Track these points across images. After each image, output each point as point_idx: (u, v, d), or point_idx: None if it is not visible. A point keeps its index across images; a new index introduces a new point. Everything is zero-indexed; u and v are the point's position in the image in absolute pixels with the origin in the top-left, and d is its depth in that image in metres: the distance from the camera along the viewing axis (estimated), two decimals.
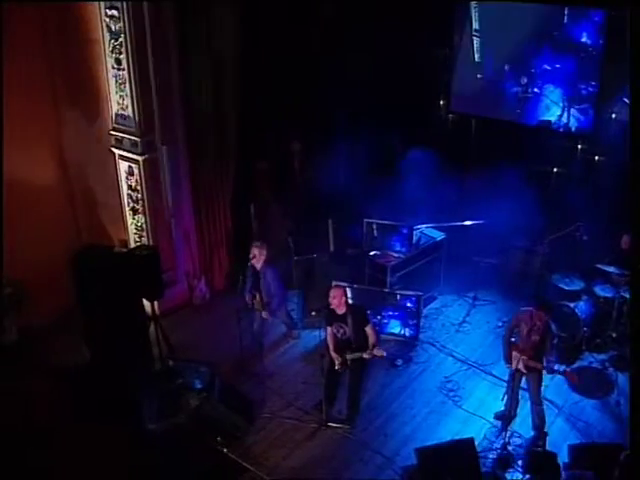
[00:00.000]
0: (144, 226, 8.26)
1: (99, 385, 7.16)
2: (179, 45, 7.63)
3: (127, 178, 8.13)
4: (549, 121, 9.28)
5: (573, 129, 9.29)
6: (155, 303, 7.52)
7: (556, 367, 6.24)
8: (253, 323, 7.65)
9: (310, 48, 9.57)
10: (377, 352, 6.49)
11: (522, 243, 8.76)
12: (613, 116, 9.19)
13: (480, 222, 8.66)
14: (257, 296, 7.47)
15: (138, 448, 6.25)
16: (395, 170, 9.67)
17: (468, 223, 8.67)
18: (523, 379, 6.48)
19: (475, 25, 9.71)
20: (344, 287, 6.97)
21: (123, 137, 7.90)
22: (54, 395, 7.54)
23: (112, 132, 8.00)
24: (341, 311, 6.60)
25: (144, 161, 7.85)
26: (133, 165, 7.97)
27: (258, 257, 7.35)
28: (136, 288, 7.02)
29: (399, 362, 7.64)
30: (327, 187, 9.64)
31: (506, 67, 9.59)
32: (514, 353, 6.31)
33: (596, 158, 9.34)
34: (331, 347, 6.75)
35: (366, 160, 9.75)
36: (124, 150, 7.97)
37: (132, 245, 8.40)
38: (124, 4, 7.15)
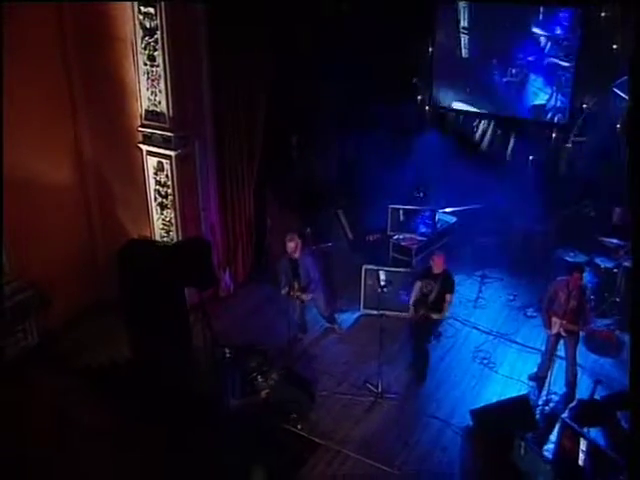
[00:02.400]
0: (172, 221, 8.38)
1: (146, 378, 7.33)
2: (210, 41, 7.82)
3: (156, 174, 8.23)
4: (542, 105, 10.05)
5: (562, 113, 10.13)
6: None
7: (599, 325, 6.93)
8: (291, 311, 7.96)
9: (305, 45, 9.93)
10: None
11: (523, 224, 9.49)
12: (584, 106, 10.14)
13: (483, 206, 9.36)
14: (295, 285, 7.80)
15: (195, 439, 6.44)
16: (390, 160, 10.23)
17: (473, 207, 9.33)
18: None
19: (463, 23, 10.40)
20: (444, 255, 7.73)
21: (153, 133, 8.00)
22: (93, 393, 7.63)
23: (141, 129, 8.08)
24: (437, 271, 7.54)
25: (176, 156, 8.00)
26: (164, 161, 8.09)
27: (294, 248, 7.72)
28: (187, 278, 7.19)
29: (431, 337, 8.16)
30: (326, 179, 10.11)
31: (494, 60, 10.34)
32: (553, 319, 6.97)
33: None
34: (412, 300, 7.60)
35: (360, 153, 10.28)
36: (154, 146, 8.07)
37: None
38: (161, 1, 7.30)
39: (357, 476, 6.24)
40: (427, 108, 11.82)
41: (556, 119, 10.22)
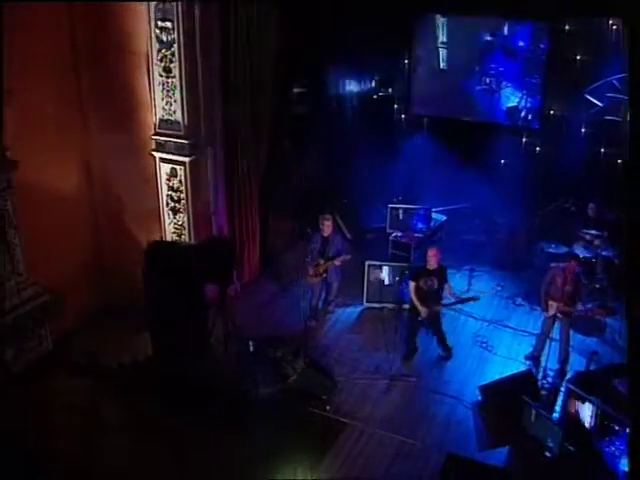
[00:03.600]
0: (185, 224, 8.79)
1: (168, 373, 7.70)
2: (221, 52, 8.32)
3: (169, 180, 8.64)
4: (515, 106, 10.90)
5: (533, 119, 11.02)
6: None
7: (587, 308, 7.71)
8: (307, 297, 8.66)
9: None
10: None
11: (508, 221, 10.28)
12: (551, 112, 11.08)
13: (470, 205, 10.13)
14: (321, 261, 8.56)
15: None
16: (375, 166, 10.95)
17: (462, 206, 10.08)
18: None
19: (442, 39, 11.23)
20: (439, 248, 8.15)
21: (167, 141, 8.42)
22: (115, 391, 7.94)
23: (154, 137, 8.49)
24: (432, 267, 7.89)
25: (190, 162, 8.44)
26: (177, 167, 8.50)
27: (327, 227, 8.59)
28: (211, 275, 7.62)
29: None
30: (317, 185, 10.72)
31: (469, 71, 11.19)
32: (550, 302, 7.70)
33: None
34: (416, 300, 7.90)
35: (346, 160, 10.97)
36: (167, 153, 8.49)
37: None
38: (178, 17, 7.78)
39: (384, 451, 6.77)
40: (403, 117, 12.63)
41: (527, 124, 11.12)
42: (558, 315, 7.69)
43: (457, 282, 9.83)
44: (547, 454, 6.56)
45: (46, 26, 8.14)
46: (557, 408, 7.17)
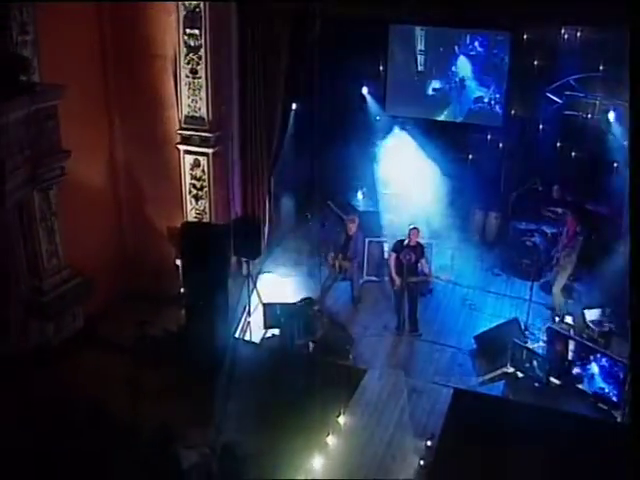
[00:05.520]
0: (206, 210, 9.88)
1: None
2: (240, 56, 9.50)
3: (192, 170, 9.72)
4: (481, 96, 12.34)
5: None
6: None
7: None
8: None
9: None
10: (443, 277, 9.12)
11: (481, 205, 11.73)
12: (512, 112, 12.64)
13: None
14: (340, 255, 9.82)
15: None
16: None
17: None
18: None
19: (420, 47, 12.66)
20: (418, 229, 9.42)
21: (192, 135, 9.52)
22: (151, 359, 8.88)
23: (180, 131, 9.57)
24: (412, 244, 9.13)
25: (213, 153, 9.55)
26: (200, 158, 9.60)
27: (354, 227, 9.84)
28: (241, 250, 8.75)
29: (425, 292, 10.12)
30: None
31: (442, 74, 12.65)
32: None
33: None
34: (393, 270, 9.11)
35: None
36: (192, 146, 9.58)
37: None
38: (206, 25, 8.93)
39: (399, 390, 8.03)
40: (377, 118, 13.95)
41: (492, 114, 12.59)
42: None
43: (441, 258, 11.24)
44: (536, 384, 7.94)
45: (76, 26, 9.03)
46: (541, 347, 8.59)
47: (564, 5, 8.44)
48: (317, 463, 6.63)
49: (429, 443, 6.90)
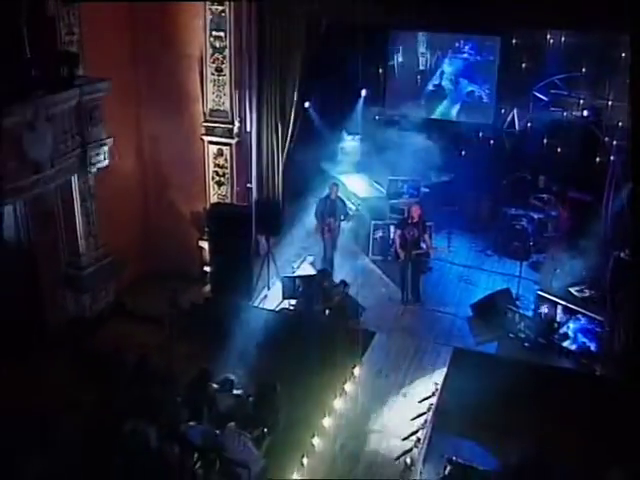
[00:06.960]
0: (227, 194, 10.90)
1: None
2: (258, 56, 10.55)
3: (215, 158, 10.76)
4: (472, 91, 13.51)
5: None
6: None
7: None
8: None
9: None
10: (440, 249, 10.11)
11: (473, 193, 12.81)
12: (502, 111, 13.77)
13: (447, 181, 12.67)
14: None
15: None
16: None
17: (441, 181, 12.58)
18: None
19: (422, 50, 13.81)
20: (420, 205, 10.52)
21: (216, 126, 10.56)
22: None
23: (205, 124, 10.61)
24: (414, 221, 10.16)
25: (235, 143, 10.60)
26: (223, 147, 10.64)
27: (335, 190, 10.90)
28: (264, 228, 9.80)
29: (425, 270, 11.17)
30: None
31: (439, 74, 13.82)
32: None
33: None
34: (398, 245, 10.18)
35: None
36: (216, 136, 10.62)
37: None
38: (230, 28, 9.99)
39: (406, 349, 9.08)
40: (377, 117, 15.01)
41: (483, 116, 13.75)
42: None
43: (439, 241, 12.25)
44: (525, 344, 9.03)
45: (113, 30, 10.04)
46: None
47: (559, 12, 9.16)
48: (337, 404, 7.67)
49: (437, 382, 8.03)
